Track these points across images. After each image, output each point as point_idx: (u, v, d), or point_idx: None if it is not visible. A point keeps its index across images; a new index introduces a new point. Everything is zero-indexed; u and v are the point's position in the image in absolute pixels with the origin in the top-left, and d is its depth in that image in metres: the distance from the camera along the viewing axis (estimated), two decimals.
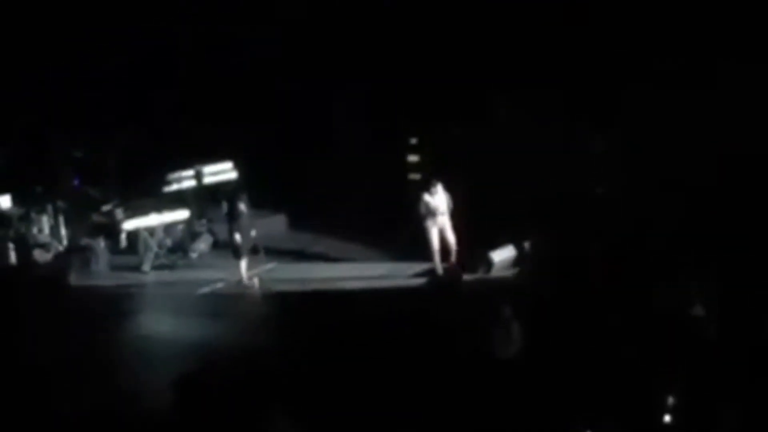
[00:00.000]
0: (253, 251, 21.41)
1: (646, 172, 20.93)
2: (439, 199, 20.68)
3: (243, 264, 21.08)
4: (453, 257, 20.96)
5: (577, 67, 21.77)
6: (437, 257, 20.87)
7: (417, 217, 20.76)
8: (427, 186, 20.84)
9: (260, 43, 24.67)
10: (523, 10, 22.33)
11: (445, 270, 20.92)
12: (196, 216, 23.66)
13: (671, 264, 17.73)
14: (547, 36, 22.17)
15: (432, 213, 20.65)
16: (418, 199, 20.81)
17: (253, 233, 21.21)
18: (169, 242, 23.17)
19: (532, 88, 21.95)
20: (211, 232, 23.42)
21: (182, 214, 23.22)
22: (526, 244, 21.04)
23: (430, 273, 20.97)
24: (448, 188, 20.75)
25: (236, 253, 21.06)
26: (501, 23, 22.57)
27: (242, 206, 20.99)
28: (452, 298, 20.01)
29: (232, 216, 21.16)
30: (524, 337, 15.95)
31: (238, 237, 20.90)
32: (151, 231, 22.82)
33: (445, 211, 20.73)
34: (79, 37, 24.46)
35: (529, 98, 22.06)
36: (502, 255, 21.07)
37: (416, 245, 21.06)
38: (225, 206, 22.09)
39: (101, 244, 22.59)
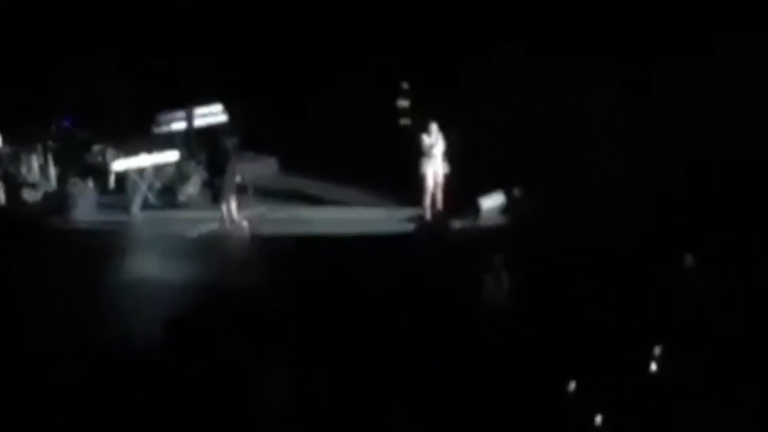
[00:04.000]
0: (241, 190, 21.39)
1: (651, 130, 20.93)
2: (435, 140, 20.71)
3: (230, 206, 21.04)
4: (440, 203, 21.00)
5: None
6: (428, 200, 20.91)
7: (412, 158, 20.78)
8: (423, 126, 20.83)
9: None
10: None
11: (433, 216, 20.96)
12: (186, 158, 23.59)
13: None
14: None
15: (428, 154, 20.69)
16: (414, 140, 20.84)
17: (238, 178, 21.18)
18: (158, 184, 23.10)
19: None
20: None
21: (172, 156, 23.14)
22: (516, 191, 21.02)
23: (419, 219, 21.00)
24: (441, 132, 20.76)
25: (218, 197, 21.02)
26: None
27: (227, 149, 20.84)
28: (439, 245, 20.06)
29: (215, 159, 21.05)
30: (514, 286, 16.05)
31: (218, 181, 20.80)
32: (140, 172, 22.75)
33: (440, 153, 20.77)
34: None
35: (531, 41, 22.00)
36: (491, 202, 21.04)
37: (409, 189, 21.08)
38: (209, 148, 22.08)
39: (90, 184, 22.48)
